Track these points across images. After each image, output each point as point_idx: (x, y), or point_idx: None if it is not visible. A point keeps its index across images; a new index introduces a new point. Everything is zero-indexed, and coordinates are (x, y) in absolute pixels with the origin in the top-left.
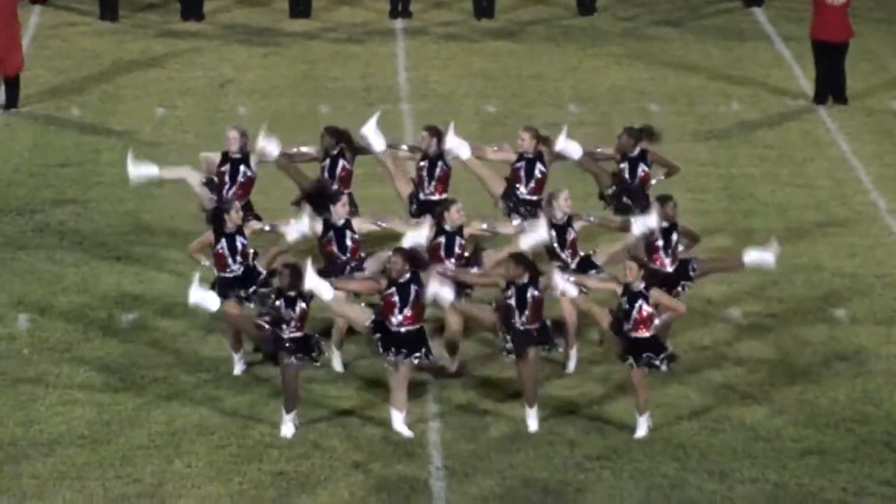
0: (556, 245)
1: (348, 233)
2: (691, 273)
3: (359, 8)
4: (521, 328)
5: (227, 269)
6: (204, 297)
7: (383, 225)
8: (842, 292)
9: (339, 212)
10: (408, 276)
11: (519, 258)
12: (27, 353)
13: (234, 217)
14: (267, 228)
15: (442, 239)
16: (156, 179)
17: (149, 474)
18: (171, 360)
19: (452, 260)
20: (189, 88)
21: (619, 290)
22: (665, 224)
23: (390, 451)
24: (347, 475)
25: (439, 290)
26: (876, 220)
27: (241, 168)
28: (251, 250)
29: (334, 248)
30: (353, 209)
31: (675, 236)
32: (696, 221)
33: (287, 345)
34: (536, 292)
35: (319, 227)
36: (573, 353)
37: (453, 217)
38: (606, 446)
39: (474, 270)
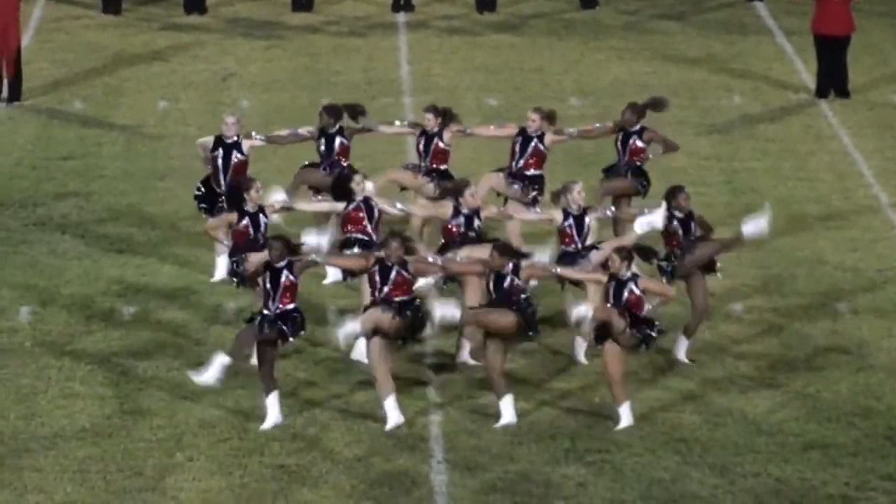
0: (574, 233)
1: (374, 206)
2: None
3: (361, 1)
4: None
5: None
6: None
7: (401, 207)
8: (844, 286)
9: (356, 189)
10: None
11: (503, 249)
12: (29, 346)
13: (254, 196)
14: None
15: (460, 220)
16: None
17: (150, 468)
18: (173, 353)
19: (469, 243)
20: (191, 82)
21: (605, 280)
22: (680, 215)
23: (391, 444)
24: (349, 469)
25: (444, 310)
26: (878, 214)
27: (234, 152)
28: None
29: (364, 220)
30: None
31: (693, 228)
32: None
33: (266, 324)
34: (516, 283)
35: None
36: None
37: (468, 201)
38: (608, 440)
39: (459, 258)
